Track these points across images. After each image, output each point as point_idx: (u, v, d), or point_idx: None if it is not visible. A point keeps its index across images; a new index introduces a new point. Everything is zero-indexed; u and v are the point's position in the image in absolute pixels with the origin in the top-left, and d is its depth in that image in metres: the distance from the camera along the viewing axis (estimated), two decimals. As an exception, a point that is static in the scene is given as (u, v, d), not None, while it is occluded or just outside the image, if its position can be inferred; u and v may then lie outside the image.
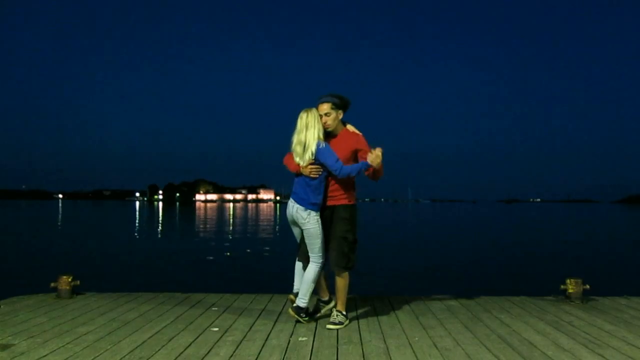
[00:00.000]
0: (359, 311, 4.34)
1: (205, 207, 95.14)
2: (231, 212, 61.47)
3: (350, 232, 3.94)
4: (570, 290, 4.75)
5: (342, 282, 3.96)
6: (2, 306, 4.42)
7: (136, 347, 3.30)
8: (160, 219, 43.69)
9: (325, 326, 3.84)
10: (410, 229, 32.54)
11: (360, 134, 3.99)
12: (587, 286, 4.72)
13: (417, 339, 3.53)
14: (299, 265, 4.15)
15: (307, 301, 3.92)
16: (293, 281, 4.19)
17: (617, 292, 5.34)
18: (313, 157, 3.82)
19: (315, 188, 3.88)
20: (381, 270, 11.86)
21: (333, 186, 3.95)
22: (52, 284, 4.81)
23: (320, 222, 3.91)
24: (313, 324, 3.91)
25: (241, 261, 13.68)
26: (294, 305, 3.92)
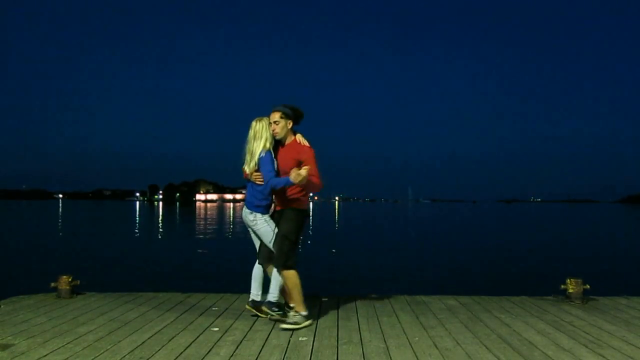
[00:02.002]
0: (359, 311, 4.35)
1: (206, 207, 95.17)
2: (231, 212, 61.49)
3: (292, 233, 3.97)
4: (570, 290, 4.75)
5: (291, 282, 3.90)
6: (2, 306, 4.42)
7: (136, 347, 3.30)
8: (161, 219, 43.70)
9: (325, 327, 3.85)
10: (411, 229, 32.55)
11: (307, 145, 4.06)
12: (587, 286, 4.72)
13: (417, 339, 3.54)
14: (256, 271, 4.20)
15: (277, 295, 3.99)
16: (250, 288, 4.19)
17: (617, 292, 5.34)
18: (257, 165, 4.01)
19: (259, 192, 4.04)
20: (381, 271, 11.87)
21: (282, 191, 4.03)
22: (52, 284, 4.81)
23: (270, 221, 4.06)
24: (313, 324, 3.91)
25: (241, 261, 13.67)
26: (266, 300, 3.98)
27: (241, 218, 4.22)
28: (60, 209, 69.66)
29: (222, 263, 13.40)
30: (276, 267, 3.94)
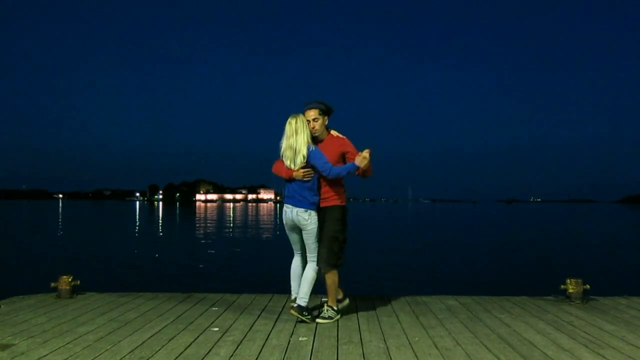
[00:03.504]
0: (359, 311, 4.35)
1: (206, 207, 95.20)
2: (231, 212, 61.49)
3: (341, 232, 4.07)
4: (570, 290, 4.75)
5: (331, 279, 4.07)
6: (2, 306, 4.42)
7: (136, 347, 3.30)
8: (161, 219, 43.70)
9: (326, 327, 3.85)
10: (410, 229, 32.55)
11: (345, 137, 4.17)
12: (587, 286, 4.72)
13: (417, 339, 3.54)
14: (296, 270, 4.21)
15: (307, 300, 3.98)
16: (291, 286, 4.23)
17: (617, 292, 5.34)
18: (305, 160, 3.95)
19: (310, 188, 4.00)
20: (381, 271, 11.86)
21: (324, 188, 4.09)
22: (52, 284, 4.81)
23: (317, 220, 4.04)
24: (313, 324, 3.92)
25: (241, 261, 13.68)
26: (296, 304, 3.97)
27: (285, 219, 4.06)
28: (60, 209, 69.66)
29: (222, 263, 13.40)
30: (327, 266, 3.99)
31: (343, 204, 4.16)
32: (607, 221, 46.09)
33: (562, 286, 4.82)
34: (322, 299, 4.33)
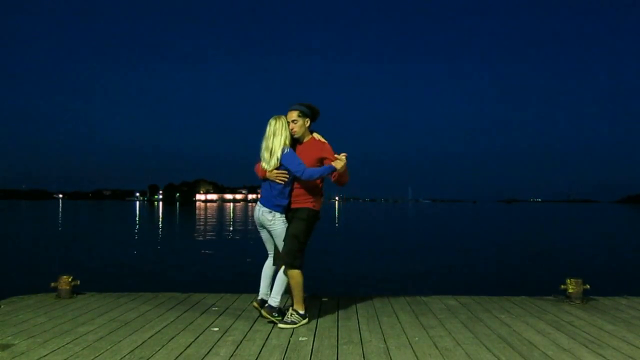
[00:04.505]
0: (359, 311, 4.35)
1: (206, 207, 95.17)
2: (231, 212, 61.47)
3: (302, 233, 3.96)
4: (570, 290, 4.75)
5: (293, 281, 3.93)
6: (2, 306, 4.42)
7: (136, 347, 3.30)
8: (161, 219, 43.69)
9: (325, 327, 3.85)
10: (410, 229, 32.54)
11: (326, 142, 4.11)
12: (587, 286, 4.73)
13: (417, 339, 3.54)
14: (266, 270, 4.19)
15: (279, 300, 3.97)
16: (260, 286, 4.19)
17: (617, 292, 5.34)
18: (279, 163, 3.96)
19: (279, 191, 4.00)
20: (381, 271, 11.87)
21: (298, 191, 4.05)
22: (52, 284, 4.81)
23: (286, 222, 4.03)
24: (313, 324, 3.92)
25: (241, 261, 13.67)
26: (267, 304, 3.95)
27: (254, 217, 4.13)
28: (60, 209, 69.63)
29: (222, 263, 13.40)
30: (284, 266, 3.94)
31: (314, 207, 4.06)
32: (607, 221, 46.07)
33: (562, 286, 4.82)
34: (323, 299, 4.34)
